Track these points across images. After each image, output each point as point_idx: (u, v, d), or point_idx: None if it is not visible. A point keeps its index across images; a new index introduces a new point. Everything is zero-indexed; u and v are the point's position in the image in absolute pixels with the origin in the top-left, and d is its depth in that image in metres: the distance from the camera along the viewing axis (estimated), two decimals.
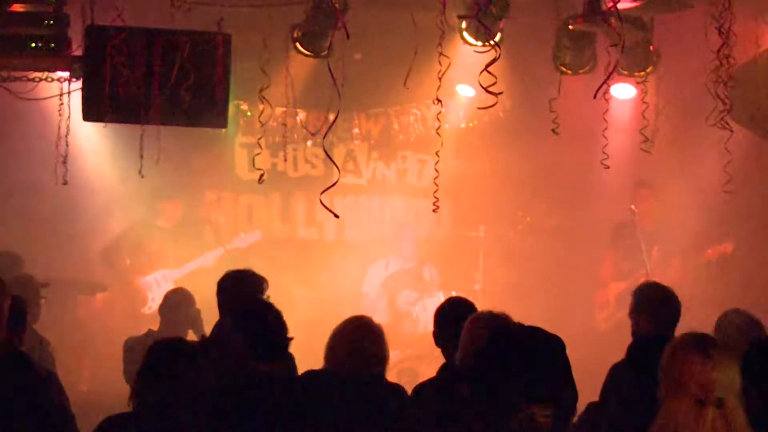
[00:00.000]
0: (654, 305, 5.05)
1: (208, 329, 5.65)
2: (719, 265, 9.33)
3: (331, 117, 4.84)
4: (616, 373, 4.89)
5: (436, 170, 6.09)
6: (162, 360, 3.92)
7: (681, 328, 4.82)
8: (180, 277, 9.56)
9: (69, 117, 7.31)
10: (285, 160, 9.78)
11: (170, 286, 8.76)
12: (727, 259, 9.34)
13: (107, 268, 9.67)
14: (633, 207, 9.32)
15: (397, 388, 4.78)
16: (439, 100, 5.78)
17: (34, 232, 9.38)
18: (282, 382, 4.26)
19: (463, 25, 7.31)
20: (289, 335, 4.40)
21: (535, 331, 2.73)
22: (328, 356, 4.66)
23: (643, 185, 9.60)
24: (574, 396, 2.73)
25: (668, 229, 9.46)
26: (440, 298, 7.28)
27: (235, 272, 5.47)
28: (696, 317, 5.48)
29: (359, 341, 4.62)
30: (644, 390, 4.03)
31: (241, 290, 5.27)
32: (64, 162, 7.22)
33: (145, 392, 3.85)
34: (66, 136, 7.29)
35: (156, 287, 9.42)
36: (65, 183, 7.30)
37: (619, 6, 5.08)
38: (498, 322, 4.17)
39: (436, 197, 5.95)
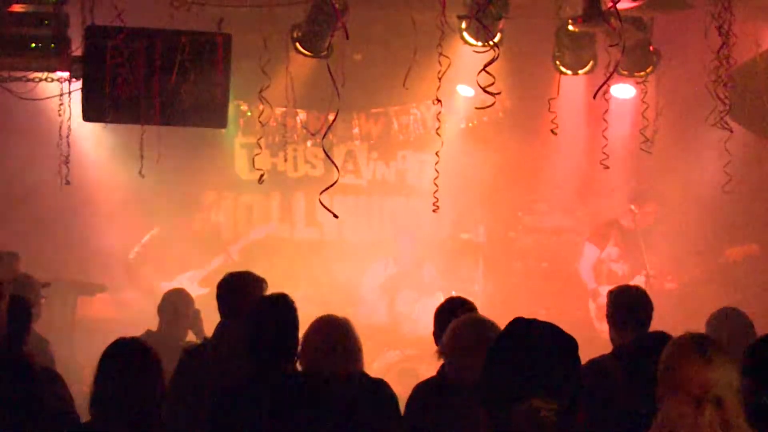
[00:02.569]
0: (621, 311, 5.03)
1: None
2: (717, 263, 9.32)
3: (331, 117, 4.85)
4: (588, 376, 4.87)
5: (436, 170, 6.10)
6: (115, 364, 3.75)
7: (684, 328, 4.83)
8: (206, 276, 9.59)
9: (70, 117, 7.31)
10: (285, 160, 9.81)
11: (198, 289, 8.79)
12: (724, 257, 9.33)
13: (132, 280, 9.66)
14: (633, 207, 9.29)
15: (377, 384, 4.75)
16: (439, 100, 5.79)
17: (34, 232, 9.36)
18: (271, 387, 4.22)
19: (463, 25, 7.30)
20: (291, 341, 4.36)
21: (551, 327, 2.70)
22: (301, 360, 4.62)
23: (642, 197, 9.36)
24: (581, 397, 2.69)
25: (667, 228, 9.45)
26: (440, 299, 7.25)
27: (233, 275, 5.36)
28: (697, 318, 5.50)
29: (327, 342, 4.58)
30: (627, 395, 4.04)
31: (240, 292, 5.20)
32: (66, 162, 7.22)
33: (99, 398, 3.72)
34: (67, 136, 7.29)
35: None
36: (68, 183, 7.30)
37: (619, 6, 5.09)
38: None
39: (436, 197, 5.97)
